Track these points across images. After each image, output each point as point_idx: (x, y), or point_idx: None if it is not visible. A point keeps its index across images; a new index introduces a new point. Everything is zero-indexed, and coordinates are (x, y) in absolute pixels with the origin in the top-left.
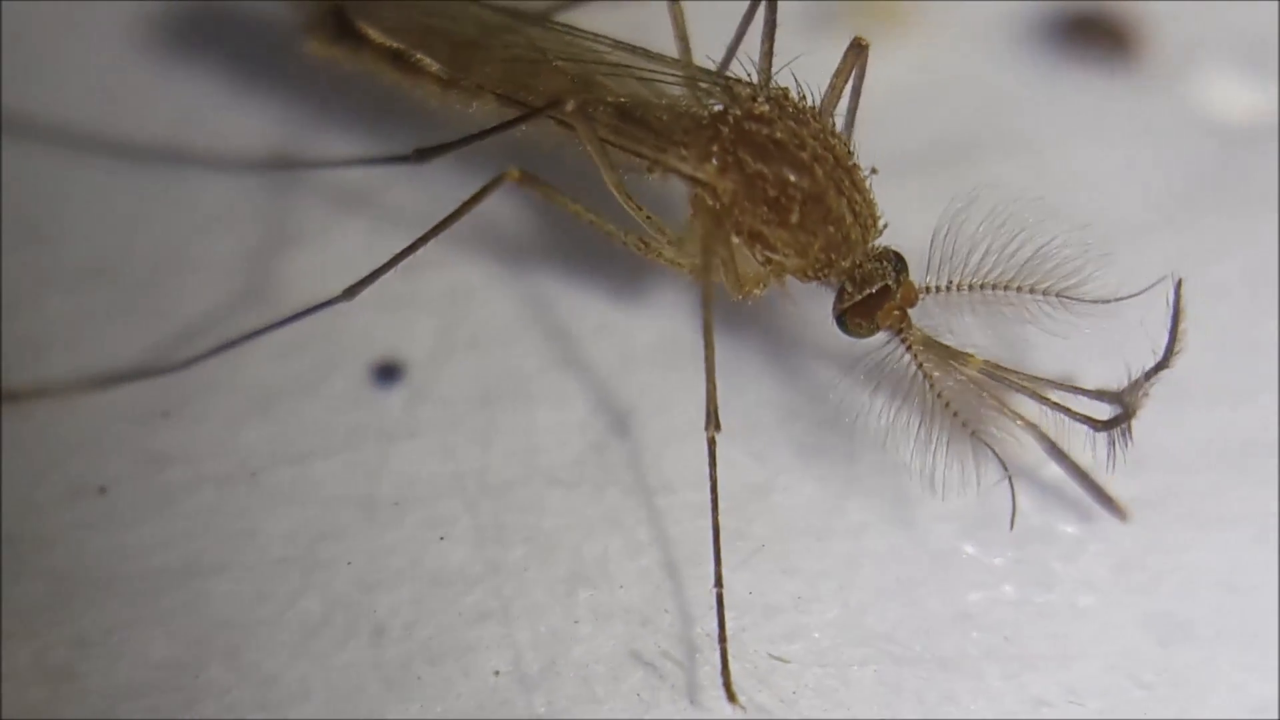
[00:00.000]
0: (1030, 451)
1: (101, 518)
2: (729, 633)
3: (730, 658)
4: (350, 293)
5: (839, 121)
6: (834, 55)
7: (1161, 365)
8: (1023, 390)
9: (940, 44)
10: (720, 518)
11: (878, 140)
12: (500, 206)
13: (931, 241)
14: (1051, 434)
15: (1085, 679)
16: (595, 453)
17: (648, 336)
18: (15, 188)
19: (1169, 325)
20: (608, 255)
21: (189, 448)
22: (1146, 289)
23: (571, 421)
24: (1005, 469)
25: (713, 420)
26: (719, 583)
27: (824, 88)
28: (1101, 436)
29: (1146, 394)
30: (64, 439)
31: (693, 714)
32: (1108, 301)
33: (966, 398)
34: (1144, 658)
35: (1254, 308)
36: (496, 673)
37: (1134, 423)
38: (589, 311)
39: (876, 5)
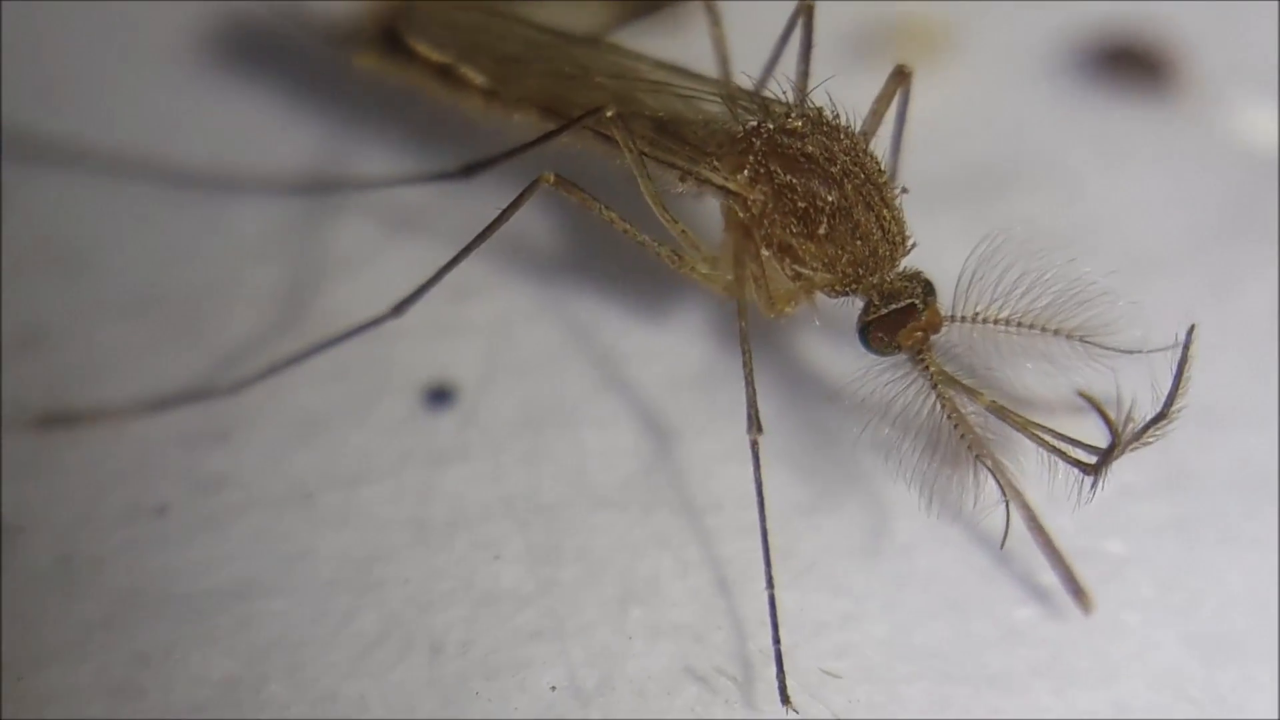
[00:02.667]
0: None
1: (157, 538)
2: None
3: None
4: (398, 309)
5: (883, 147)
6: (869, 82)
7: (1160, 417)
8: (1023, 432)
9: (975, 73)
10: (769, 532)
11: (912, 168)
12: (546, 233)
13: (961, 273)
14: (1035, 507)
15: (1132, 695)
16: (643, 474)
17: (691, 360)
18: (63, 217)
19: (1174, 373)
20: (650, 281)
21: (242, 471)
22: (1172, 345)
23: (619, 443)
24: (1004, 495)
25: (754, 423)
26: (771, 584)
27: (864, 114)
28: (1087, 478)
29: (1141, 441)
30: (119, 462)
31: None
32: (1130, 352)
33: (974, 434)
34: (1189, 675)
35: None
36: (552, 688)
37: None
38: (632, 336)
39: (913, 33)
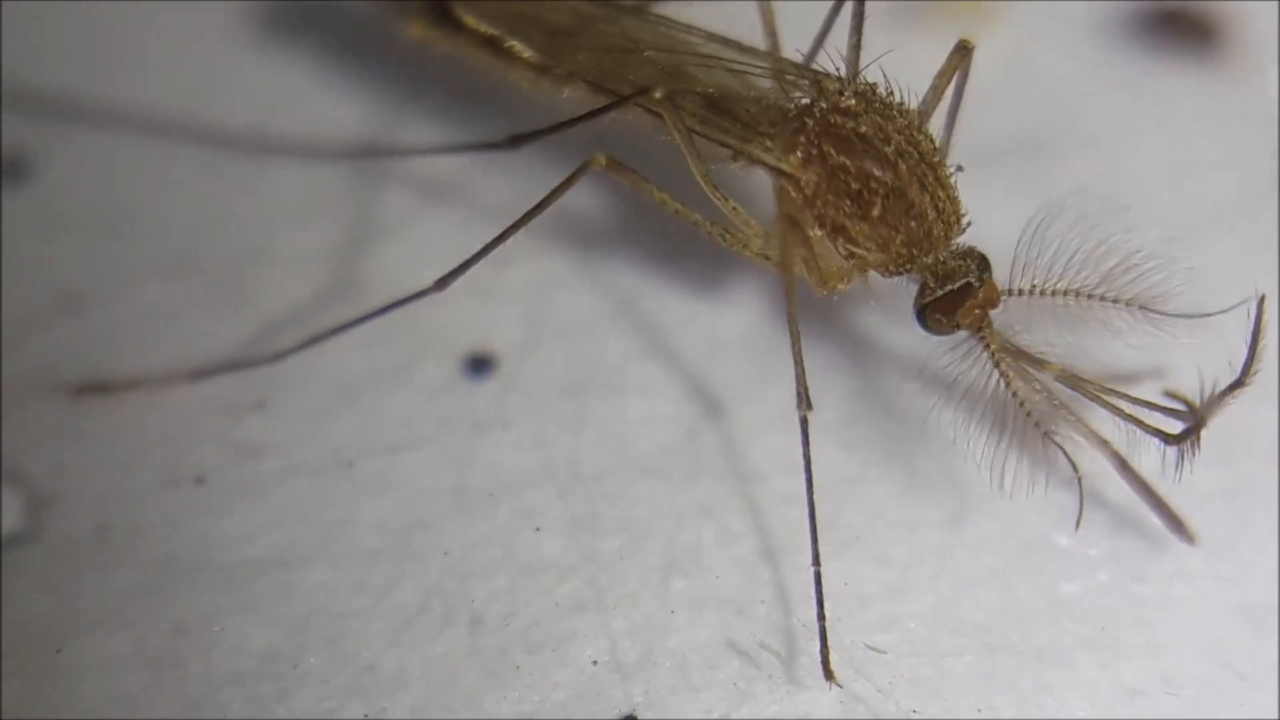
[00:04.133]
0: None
1: (196, 507)
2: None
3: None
4: (441, 283)
5: (938, 121)
6: (918, 51)
7: (1238, 384)
8: (1097, 400)
9: (1025, 39)
10: (815, 505)
11: (962, 135)
12: (587, 198)
13: (1016, 246)
14: (1124, 452)
15: (1180, 668)
16: (686, 442)
17: (734, 327)
18: (105, 180)
19: (1249, 342)
20: (692, 247)
21: (282, 438)
22: (1232, 307)
23: (661, 411)
24: (1076, 470)
25: (803, 400)
26: (816, 561)
27: (910, 85)
28: (1171, 450)
29: (1221, 410)
30: (158, 430)
31: (791, 704)
32: (1191, 317)
33: (1041, 401)
34: (1239, 647)
35: None
36: (594, 662)
37: (1202, 435)
38: (675, 302)
39: (962, 2)
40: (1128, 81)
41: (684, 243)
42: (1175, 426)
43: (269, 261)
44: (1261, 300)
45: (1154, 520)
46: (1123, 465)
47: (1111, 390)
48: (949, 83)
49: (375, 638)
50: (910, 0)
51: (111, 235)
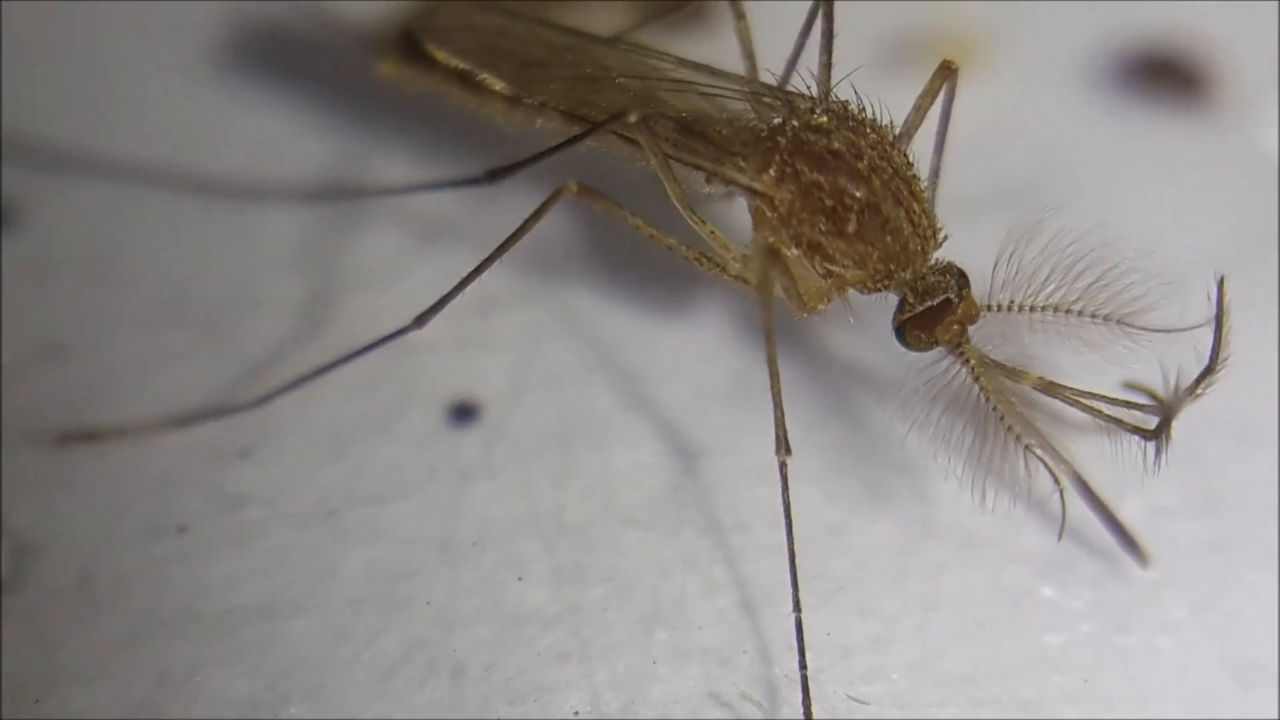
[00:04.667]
0: (1105, 493)
1: (180, 556)
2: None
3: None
4: (420, 320)
5: (926, 144)
6: (906, 102)
7: (1209, 370)
8: (1075, 404)
9: (1010, 86)
10: (796, 552)
11: (947, 181)
12: (573, 242)
13: (995, 262)
14: (1082, 470)
15: None
16: (670, 493)
17: (721, 377)
18: (92, 228)
19: (1213, 327)
20: (678, 295)
21: (266, 487)
22: (1206, 322)
23: (646, 461)
24: (1058, 483)
25: (782, 445)
26: (797, 607)
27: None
28: (1150, 445)
29: (1194, 398)
30: (141, 478)
31: None
32: (1168, 331)
33: (1021, 416)
34: (1223, 700)
35: None
36: (576, 713)
37: (1174, 425)
38: (661, 351)
39: (948, 46)
40: (1113, 129)
41: (671, 290)
42: (1154, 423)
43: (251, 307)
44: (1222, 282)
45: (1138, 571)
46: (1083, 486)
47: (1089, 394)
48: (932, 103)
49: (358, 688)
50: (897, 46)
51: (98, 282)
